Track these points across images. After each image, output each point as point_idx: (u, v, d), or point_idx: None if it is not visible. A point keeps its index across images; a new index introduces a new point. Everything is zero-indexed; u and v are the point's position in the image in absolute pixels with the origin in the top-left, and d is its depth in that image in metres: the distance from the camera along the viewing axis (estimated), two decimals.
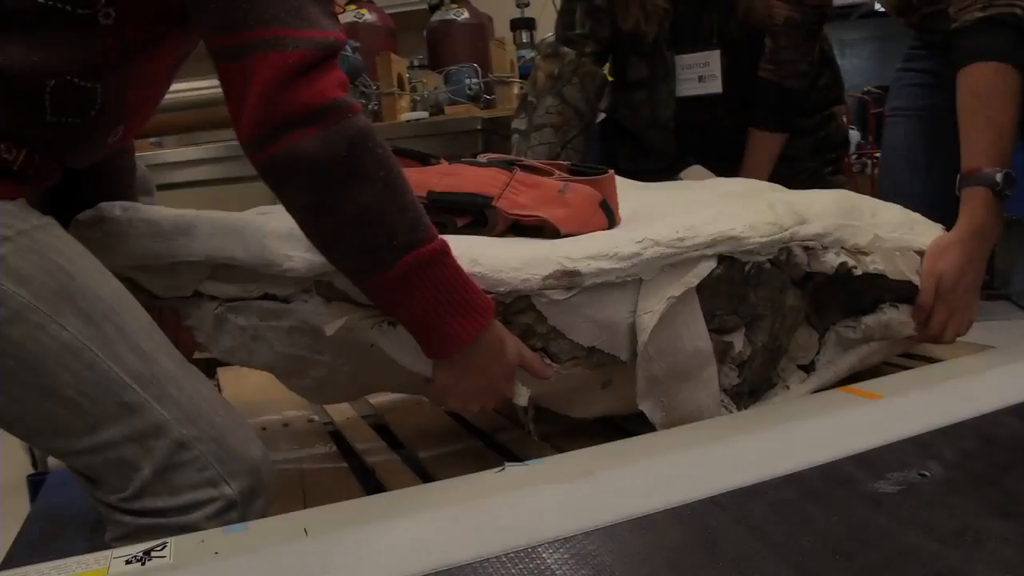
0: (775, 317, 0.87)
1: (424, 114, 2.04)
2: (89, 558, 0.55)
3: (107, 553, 0.55)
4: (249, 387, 1.19)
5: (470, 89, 2.10)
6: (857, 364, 0.97)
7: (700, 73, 1.40)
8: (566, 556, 0.53)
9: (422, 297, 0.65)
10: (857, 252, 0.89)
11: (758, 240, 0.79)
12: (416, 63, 2.29)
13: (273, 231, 0.76)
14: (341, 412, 1.08)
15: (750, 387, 0.90)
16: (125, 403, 0.61)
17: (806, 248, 0.85)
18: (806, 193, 0.95)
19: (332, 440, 0.99)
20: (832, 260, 0.85)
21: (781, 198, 0.87)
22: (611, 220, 0.85)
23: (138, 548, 0.55)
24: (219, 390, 1.14)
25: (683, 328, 0.78)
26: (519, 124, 1.44)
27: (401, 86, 2.05)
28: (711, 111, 1.41)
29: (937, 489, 0.61)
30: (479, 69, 2.09)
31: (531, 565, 0.52)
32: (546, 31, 2.34)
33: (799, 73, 1.34)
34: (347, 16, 2.22)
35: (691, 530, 0.57)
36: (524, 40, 2.43)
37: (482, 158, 0.97)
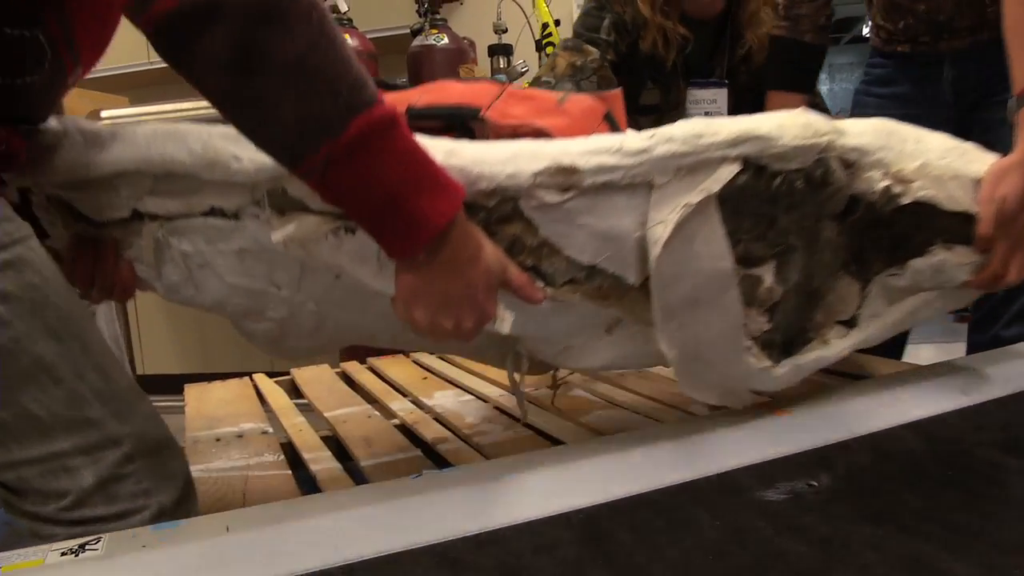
0: (810, 250, 0.75)
1: None
2: (28, 551, 0.58)
3: (44, 547, 0.59)
4: (212, 401, 1.25)
5: None
6: (906, 319, 0.83)
7: (707, 109, 1.43)
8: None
9: (381, 171, 0.54)
10: (902, 179, 0.76)
11: (789, 143, 0.66)
12: (397, 85, 2.33)
13: (219, 132, 0.66)
14: (295, 425, 1.12)
15: (783, 337, 0.77)
16: (86, 418, 0.63)
17: (845, 164, 0.73)
18: (842, 120, 0.83)
19: (281, 450, 1.02)
20: (876, 180, 0.73)
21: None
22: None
23: (74, 542, 0.59)
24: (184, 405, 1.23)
25: (702, 245, 0.66)
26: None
27: None
28: None
29: (820, 498, 0.64)
30: None
31: (430, 560, 0.57)
32: (522, 56, 2.50)
33: (818, 27, 1.24)
34: None
35: (584, 532, 0.61)
36: (501, 66, 2.49)
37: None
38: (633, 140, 0.63)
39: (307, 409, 1.23)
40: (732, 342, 0.72)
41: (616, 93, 0.78)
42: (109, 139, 0.68)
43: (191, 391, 1.32)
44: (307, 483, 0.92)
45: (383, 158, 0.54)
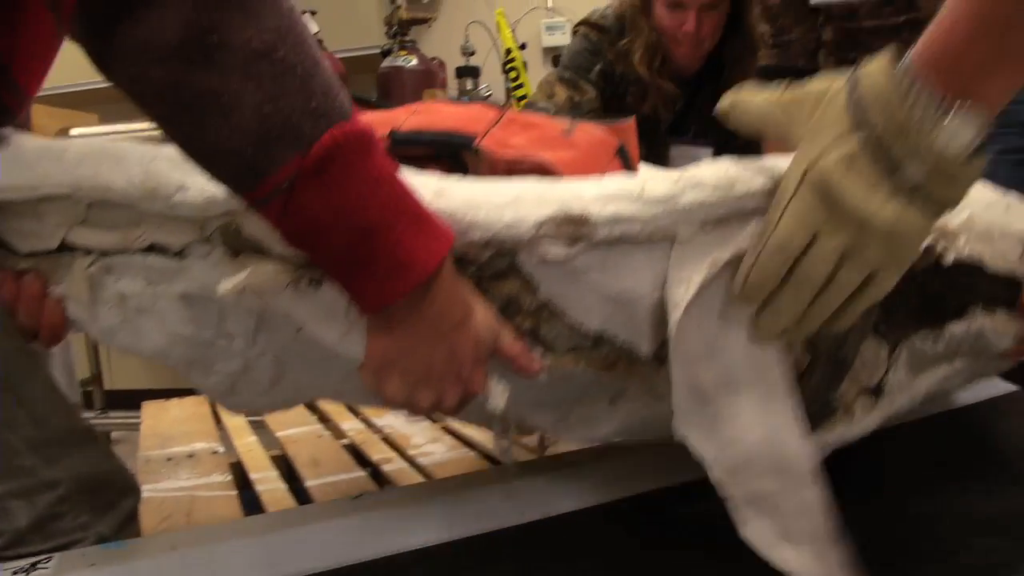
0: None
1: None
2: None
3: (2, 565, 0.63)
4: (167, 420, 1.27)
5: None
6: (936, 388, 0.75)
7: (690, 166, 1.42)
8: None
9: (358, 197, 0.44)
10: (946, 235, 0.68)
11: None
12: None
13: (165, 155, 0.55)
14: (246, 445, 1.14)
15: (806, 410, 0.68)
16: (18, 466, 0.64)
17: None
18: None
19: (230, 470, 1.04)
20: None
21: None
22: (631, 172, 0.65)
23: (26, 562, 0.62)
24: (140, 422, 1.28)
25: (732, 312, 0.56)
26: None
27: None
28: None
29: None
30: None
31: None
32: (489, 79, 2.58)
33: (809, 52, 1.19)
34: None
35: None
36: (469, 87, 2.56)
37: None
38: (655, 184, 0.54)
39: (260, 427, 1.24)
40: (789, 438, 0.58)
41: (629, 125, 0.69)
42: (36, 156, 0.57)
43: (148, 409, 1.34)
44: (252, 503, 0.97)
45: (360, 181, 0.44)
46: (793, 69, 1.20)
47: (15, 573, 0.61)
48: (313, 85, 0.43)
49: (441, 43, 2.75)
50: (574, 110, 1.41)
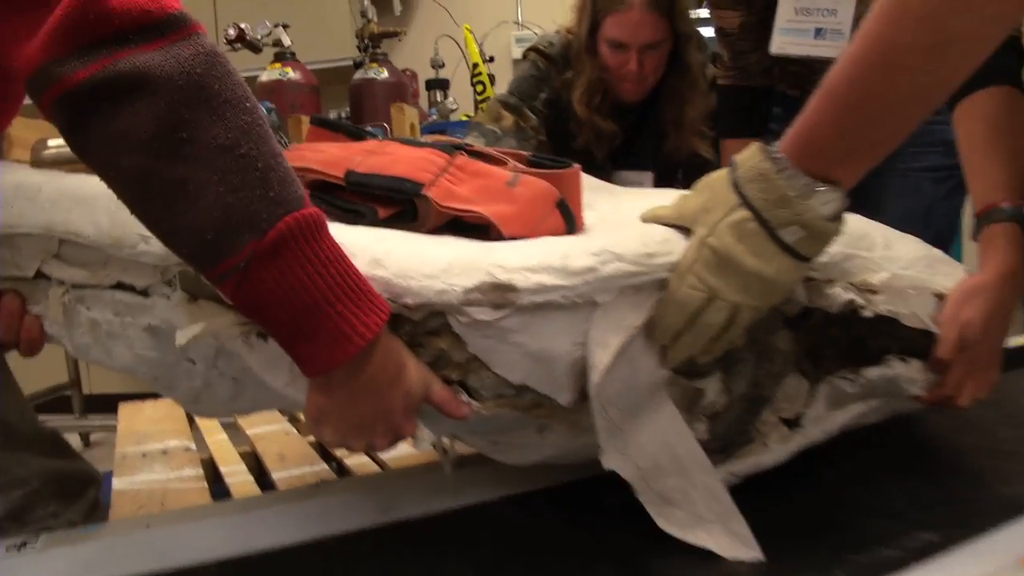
0: (760, 362, 0.71)
1: None
2: None
3: None
4: (142, 420, 1.32)
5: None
6: (850, 423, 0.81)
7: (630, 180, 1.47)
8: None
9: (305, 277, 0.48)
10: (866, 290, 0.73)
11: None
12: (340, 116, 2.46)
13: None
14: (217, 442, 1.19)
15: (722, 443, 0.74)
16: None
17: (806, 279, 0.69)
18: None
19: (201, 465, 1.09)
20: (838, 296, 0.69)
21: None
22: (570, 225, 0.69)
23: (18, 539, 0.71)
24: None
25: (642, 363, 0.62)
26: (478, 136, 1.47)
27: None
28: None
29: None
30: (389, 129, 2.22)
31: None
32: (459, 91, 2.65)
33: (764, 70, 1.22)
34: (272, 74, 2.35)
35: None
36: (438, 99, 2.62)
37: (427, 138, 0.81)
38: (578, 256, 0.58)
39: (232, 426, 1.29)
40: (680, 440, 0.69)
41: (573, 172, 0.73)
42: (12, 195, 0.62)
43: (124, 410, 1.38)
44: (222, 495, 1.02)
45: (308, 262, 0.49)
46: (750, 89, 1.25)
47: (8, 550, 0.69)
48: (271, 177, 0.48)
49: (412, 56, 2.80)
50: (519, 135, 1.44)
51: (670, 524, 0.65)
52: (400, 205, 0.68)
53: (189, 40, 0.45)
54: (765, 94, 1.28)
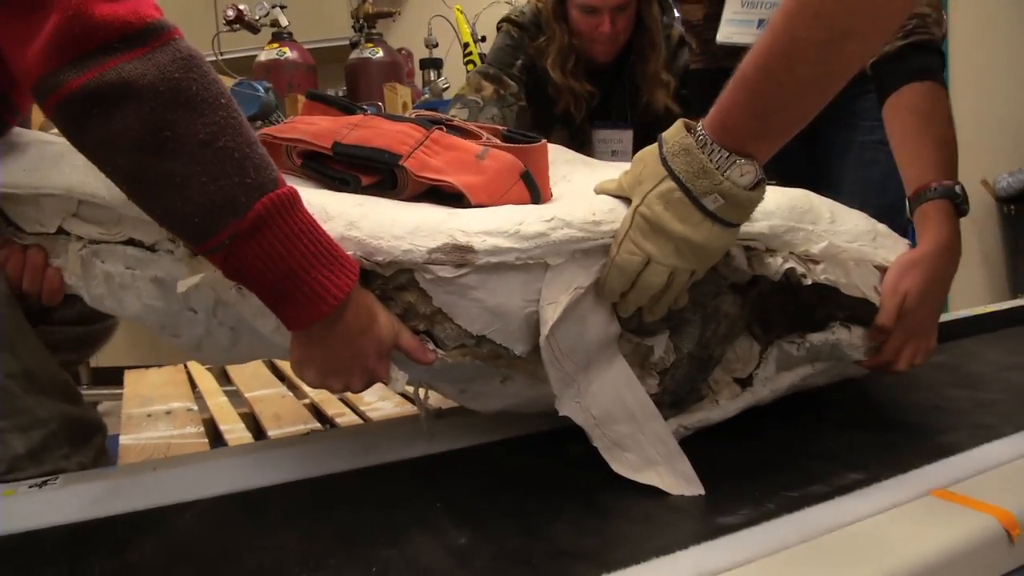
0: (706, 324, 0.78)
1: None
2: (11, 485, 0.77)
3: (15, 483, 0.78)
4: (147, 384, 1.41)
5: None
6: (797, 383, 0.87)
7: (614, 148, 1.56)
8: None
9: (283, 249, 0.57)
10: (808, 259, 0.79)
11: None
12: (336, 94, 2.55)
13: None
14: (217, 404, 1.27)
15: (672, 397, 0.81)
16: (17, 407, 0.80)
17: (747, 248, 0.75)
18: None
19: (203, 424, 1.16)
20: (777, 265, 0.76)
21: None
22: (535, 195, 0.76)
23: (38, 479, 0.79)
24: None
25: (591, 320, 0.69)
26: (460, 108, 1.51)
27: None
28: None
29: None
30: (382, 107, 2.29)
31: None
32: (452, 70, 2.68)
33: (729, 54, 1.26)
34: (270, 54, 2.40)
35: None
36: (431, 78, 2.68)
37: (411, 113, 0.88)
38: (531, 223, 0.66)
39: (232, 393, 1.36)
40: (630, 392, 0.76)
41: (540, 146, 0.79)
42: (37, 159, 0.70)
43: (130, 376, 1.48)
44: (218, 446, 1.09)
45: (284, 236, 0.57)
46: (720, 70, 1.29)
47: (30, 487, 0.77)
48: (247, 165, 0.55)
49: (406, 35, 2.84)
50: (500, 102, 1.49)
51: (622, 466, 0.72)
52: (381, 174, 0.75)
53: (168, 46, 0.53)
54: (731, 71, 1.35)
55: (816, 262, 0.79)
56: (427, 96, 2.56)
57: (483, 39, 2.53)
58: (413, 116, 0.84)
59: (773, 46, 0.58)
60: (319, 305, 0.59)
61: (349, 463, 0.81)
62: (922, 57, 0.89)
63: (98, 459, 0.88)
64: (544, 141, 0.79)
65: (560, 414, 0.72)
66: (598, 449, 0.73)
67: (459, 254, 0.64)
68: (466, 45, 2.51)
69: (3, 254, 0.77)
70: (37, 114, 0.96)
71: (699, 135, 0.62)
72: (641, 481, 0.72)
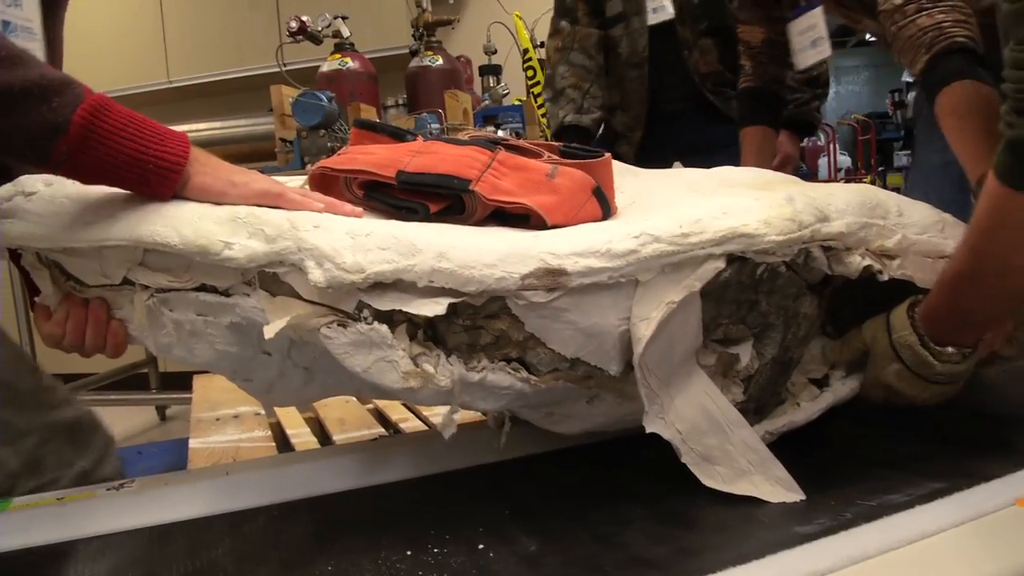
0: (787, 327, 0.77)
1: None
2: (82, 489, 0.80)
3: (91, 486, 0.81)
4: (215, 389, 1.47)
5: (431, 133, 2.25)
6: None
7: (654, 6, 1.67)
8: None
9: (116, 143, 0.63)
10: (883, 255, 0.78)
11: (774, 239, 0.68)
12: (399, 102, 2.59)
13: (211, 214, 0.66)
14: (284, 409, 1.29)
15: (756, 404, 0.80)
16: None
17: (827, 249, 0.74)
18: (825, 186, 0.84)
19: (269, 428, 1.20)
20: (856, 263, 0.75)
21: (799, 191, 0.77)
22: (606, 209, 0.75)
23: (115, 483, 0.80)
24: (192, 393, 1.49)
25: (678, 334, 0.68)
26: (546, 94, 1.75)
27: None
28: (674, 45, 1.68)
29: None
30: (444, 114, 2.34)
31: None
32: (511, 76, 2.80)
33: (782, 83, 1.40)
34: (332, 64, 2.45)
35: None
36: (491, 84, 2.75)
37: (463, 135, 0.87)
38: (620, 240, 0.64)
39: None
40: (716, 404, 0.74)
41: (606, 160, 0.78)
42: (99, 210, 0.67)
43: (198, 381, 1.55)
44: (286, 450, 1.12)
45: (110, 133, 0.63)
46: (766, 89, 1.41)
47: (108, 490, 0.79)
48: (48, 89, 0.61)
49: (465, 43, 2.90)
50: (564, 53, 1.67)
51: (713, 480, 0.71)
52: (448, 200, 0.74)
53: None
54: (780, 98, 1.46)
55: (891, 257, 0.78)
56: (487, 102, 2.58)
57: (541, 44, 2.55)
58: (467, 138, 0.83)
59: (984, 263, 0.70)
60: (168, 176, 0.65)
61: (417, 470, 0.82)
62: (946, 64, 0.95)
63: (101, 462, 0.88)
64: (608, 155, 0.78)
65: (648, 431, 0.71)
66: (687, 464, 0.71)
67: (552, 278, 0.62)
68: (525, 51, 2.56)
69: (62, 311, 0.74)
70: None
71: (920, 333, 0.76)
72: (736, 492, 0.70)
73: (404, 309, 0.61)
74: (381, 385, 0.64)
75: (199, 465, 1.05)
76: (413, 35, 2.61)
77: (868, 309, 0.85)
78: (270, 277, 0.66)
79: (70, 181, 0.71)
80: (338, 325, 0.63)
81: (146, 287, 0.70)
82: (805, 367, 0.85)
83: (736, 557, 0.58)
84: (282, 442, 1.18)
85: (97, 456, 0.88)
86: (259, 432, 1.18)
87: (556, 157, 0.79)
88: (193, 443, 1.14)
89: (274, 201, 0.68)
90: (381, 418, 1.25)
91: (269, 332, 0.62)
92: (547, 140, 1.51)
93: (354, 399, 1.30)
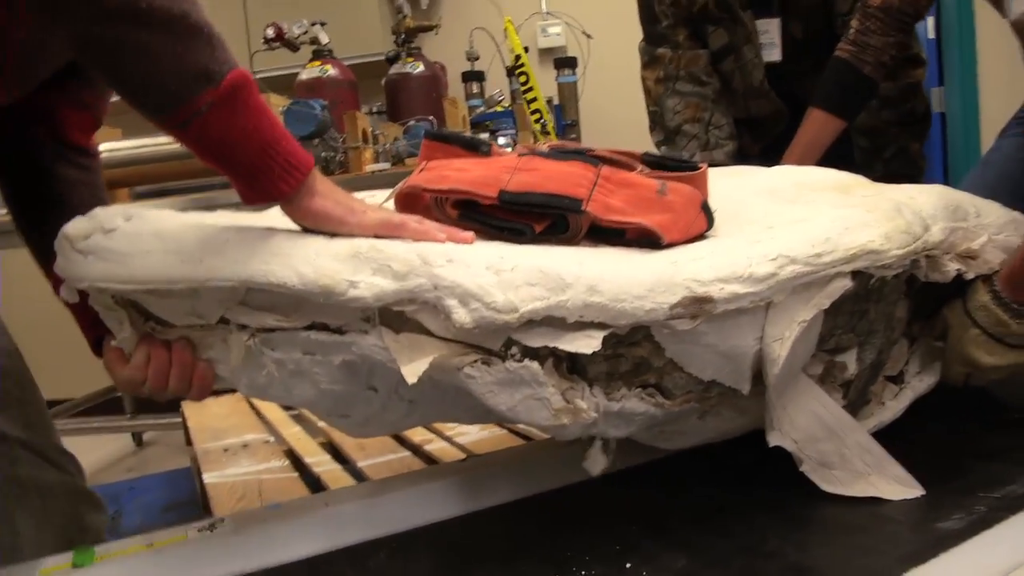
0: (887, 332, 0.78)
1: (386, 165, 2.09)
2: (173, 530, 0.76)
3: (183, 527, 0.76)
4: (211, 416, 1.37)
5: (498, 143, 2.18)
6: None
7: (763, 40, 1.39)
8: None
9: (256, 119, 0.59)
10: (967, 256, 0.80)
11: (896, 252, 0.68)
12: (375, 110, 2.50)
13: (327, 250, 0.61)
14: (293, 435, 1.24)
15: (851, 408, 0.81)
16: None
17: (928, 257, 0.75)
18: (900, 188, 0.85)
19: (285, 456, 1.15)
20: (951, 269, 0.76)
21: (892, 198, 0.77)
22: (711, 223, 0.73)
23: (207, 521, 0.77)
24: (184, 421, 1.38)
25: (800, 351, 0.68)
26: (656, 137, 1.47)
27: (366, 140, 2.16)
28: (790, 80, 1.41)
29: None
30: (435, 122, 2.24)
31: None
32: (495, 83, 2.67)
33: (880, 63, 1.21)
34: (312, 72, 2.37)
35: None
36: (475, 91, 2.67)
37: (543, 146, 0.83)
38: (759, 263, 0.63)
39: (301, 418, 1.33)
40: (827, 409, 0.74)
41: (703, 172, 0.76)
42: (196, 249, 0.62)
43: (188, 408, 1.42)
44: (313, 483, 1.05)
45: (255, 109, 0.59)
46: (858, 72, 1.22)
47: (200, 531, 0.76)
48: (215, 42, 0.58)
49: (444, 49, 2.81)
50: (668, 83, 1.41)
51: (831, 485, 0.71)
52: (551, 220, 0.71)
53: None
54: (868, 85, 1.24)
55: (973, 258, 0.80)
56: (482, 108, 2.52)
57: (527, 49, 2.52)
58: (547, 149, 0.80)
59: None
60: (295, 174, 0.61)
61: (516, 492, 0.79)
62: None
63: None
64: (704, 166, 0.77)
65: (770, 445, 0.71)
66: (805, 472, 0.72)
67: (698, 306, 0.61)
68: (517, 57, 2.48)
69: (142, 354, 0.68)
70: None
71: (996, 292, 0.78)
72: (856, 495, 0.71)
73: (558, 346, 0.59)
74: (526, 422, 0.61)
75: (222, 500, 1.00)
76: (395, 41, 2.53)
77: (938, 306, 0.87)
78: (396, 315, 0.62)
79: (152, 216, 0.66)
80: (482, 363, 0.60)
81: (243, 326, 0.65)
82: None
83: (903, 556, 0.58)
84: (302, 471, 1.12)
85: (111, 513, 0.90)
86: (276, 462, 1.13)
87: (648, 169, 0.77)
88: (208, 477, 1.07)
89: (395, 231, 0.64)
90: (401, 440, 1.19)
91: (411, 376, 0.59)
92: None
93: None
